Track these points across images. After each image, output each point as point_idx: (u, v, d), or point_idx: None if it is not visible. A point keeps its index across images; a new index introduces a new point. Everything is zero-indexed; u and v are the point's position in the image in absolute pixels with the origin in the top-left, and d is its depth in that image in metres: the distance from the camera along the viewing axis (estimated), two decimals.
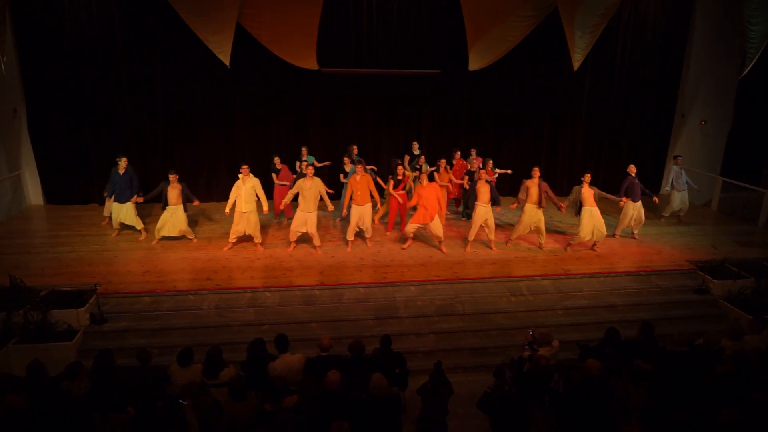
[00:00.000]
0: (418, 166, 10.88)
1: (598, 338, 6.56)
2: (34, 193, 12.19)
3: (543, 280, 8.85)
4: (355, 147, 11.28)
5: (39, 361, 5.27)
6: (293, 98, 12.42)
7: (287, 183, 10.71)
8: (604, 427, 5.19)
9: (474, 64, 11.94)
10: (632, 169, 10.29)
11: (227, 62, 10.73)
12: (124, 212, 9.96)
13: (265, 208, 9.54)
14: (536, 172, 9.55)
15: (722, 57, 13.27)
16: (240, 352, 6.37)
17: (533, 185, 9.52)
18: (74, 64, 11.34)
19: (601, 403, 5.24)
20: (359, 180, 9.47)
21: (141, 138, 12.09)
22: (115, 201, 9.94)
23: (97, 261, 9.11)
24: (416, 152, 11.65)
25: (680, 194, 11.54)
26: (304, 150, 11.14)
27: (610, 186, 14.00)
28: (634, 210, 10.31)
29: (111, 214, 10.18)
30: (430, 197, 9.37)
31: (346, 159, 11.01)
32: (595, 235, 9.67)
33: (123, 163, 9.87)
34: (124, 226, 10.26)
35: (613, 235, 10.62)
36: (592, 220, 9.57)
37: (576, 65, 11.61)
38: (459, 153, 11.59)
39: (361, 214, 9.57)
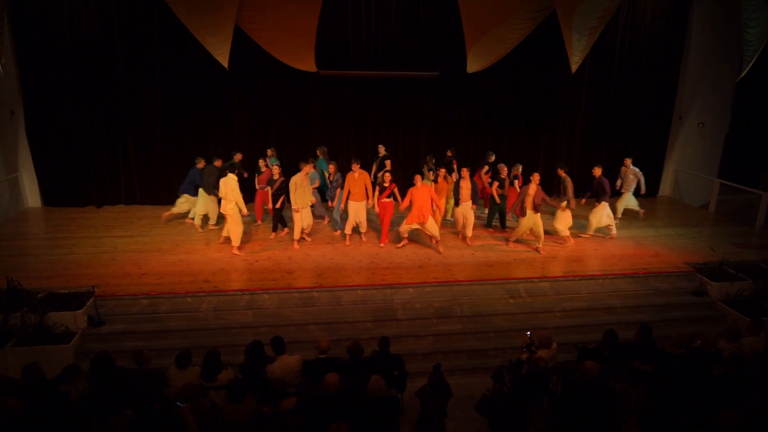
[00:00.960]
0: (431, 168, 11.10)
1: (597, 340, 6.57)
2: (31, 195, 12.17)
3: (541, 282, 8.86)
4: (319, 151, 11.42)
5: (36, 363, 5.26)
6: (291, 100, 12.43)
7: (266, 187, 10.20)
8: (603, 429, 5.19)
9: (472, 66, 11.97)
10: (597, 171, 10.59)
11: (225, 64, 10.74)
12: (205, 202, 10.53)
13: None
14: (536, 177, 9.57)
15: (720, 59, 13.32)
16: (238, 354, 6.36)
17: (532, 191, 9.51)
18: (72, 65, 11.34)
19: (600, 404, 5.24)
20: (357, 177, 9.74)
21: (139, 140, 12.09)
22: (192, 195, 10.54)
23: (94, 263, 9.09)
24: (381, 154, 11.72)
25: (628, 195, 11.62)
26: (270, 152, 11.25)
27: (610, 188, 14.07)
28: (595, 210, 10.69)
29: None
30: (423, 198, 9.40)
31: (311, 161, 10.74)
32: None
33: (202, 163, 10.49)
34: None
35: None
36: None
37: (574, 68, 11.64)
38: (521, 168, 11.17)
39: (358, 209, 9.89)
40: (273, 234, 10.43)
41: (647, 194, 14.12)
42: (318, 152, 11.45)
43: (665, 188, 14.40)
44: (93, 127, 11.79)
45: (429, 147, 12.83)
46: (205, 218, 10.73)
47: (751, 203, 11.96)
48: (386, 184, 9.80)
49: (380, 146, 11.91)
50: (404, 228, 9.71)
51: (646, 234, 11.07)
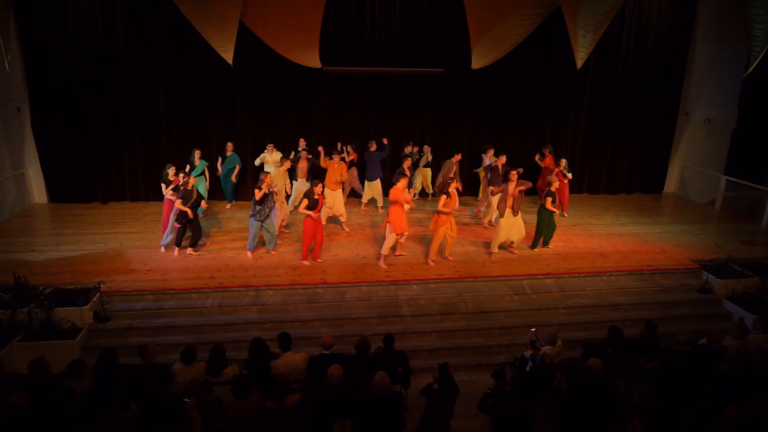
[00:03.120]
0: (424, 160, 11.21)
1: (601, 337, 6.56)
2: (37, 191, 12.23)
3: (546, 278, 8.84)
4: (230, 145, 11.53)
5: (41, 359, 5.29)
6: (295, 96, 12.43)
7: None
8: (607, 426, 5.18)
9: (477, 62, 11.91)
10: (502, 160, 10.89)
11: (230, 60, 10.73)
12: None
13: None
14: (515, 175, 9.17)
15: (726, 55, 13.22)
16: (243, 350, 6.37)
17: (512, 189, 9.15)
18: (78, 62, 11.36)
19: (604, 402, 5.23)
20: (336, 167, 10.35)
21: (144, 136, 12.13)
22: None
23: (100, 259, 9.13)
24: (301, 148, 11.67)
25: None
26: (197, 153, 11.04)
27: (614, 185, 14.06)
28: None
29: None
30: (391, 199, 8.71)
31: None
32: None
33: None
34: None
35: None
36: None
37: (579, 63, 11.56)
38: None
39: (334, 198, 10.27)
40: (190, 249, 9.40)
41: (653, 191, 14.14)
42: (229, 146, 11.47)
43: (671, 185, 14.34)
44: (98, 123, 11.82)
45: (433, 144, 12.79)
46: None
47: (758, 200, 11.89)
48: (317, 196, 8.64)
49: (301, 140, 11.78)
50: (389, 242, 8.87)
51: (651, 231, 11.03)
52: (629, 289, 8.76)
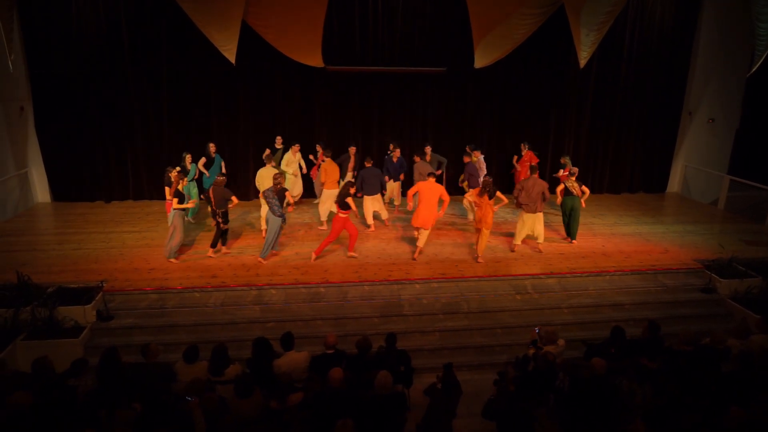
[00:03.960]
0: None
1: (604, 337, 6.55)
2: (41, 190, 12.26)
3: (548, 278, 8.83)
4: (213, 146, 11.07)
5: (45, 357, 5.31)
6: (298, 96, 12.44)
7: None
8: (609, 426, 5.17)
9: (479, 61, 11.90)
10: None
11: (233, 60, 10.73)
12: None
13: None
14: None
15: (730, 55, 13.19)
16: (245, 349, 6.38)
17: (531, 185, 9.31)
18: (81, 62, 11.40)
19: (606, 402, 5.22)
20: (328, 168, 10.47)
21: (147, 136, 12.15)
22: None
23: (103, 258, 9.16)
24: (278, 147, 11.60)
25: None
26: (188, 157, 10.47)
27: (617, 184, 14.03)
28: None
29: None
30: (432, 196, 9.03)
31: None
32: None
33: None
34: None
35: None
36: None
37: (582, 63, 11.54)
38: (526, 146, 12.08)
39: (333, 197, 10.10)
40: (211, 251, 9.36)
41: (656, 190, 14.11)
42: (212, 148, 11.07)
43: (674, 184, 14.31)
44: (101, 123, 11.84)
45: (435, 142, 12.77)
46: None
47: (762, 200, 11.85)
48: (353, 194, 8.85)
49: (278, 138, 11.62)
50: (423, 241, 9.31)
51: (654, 231, 11.00)
52: (632, 289, 8.74)
